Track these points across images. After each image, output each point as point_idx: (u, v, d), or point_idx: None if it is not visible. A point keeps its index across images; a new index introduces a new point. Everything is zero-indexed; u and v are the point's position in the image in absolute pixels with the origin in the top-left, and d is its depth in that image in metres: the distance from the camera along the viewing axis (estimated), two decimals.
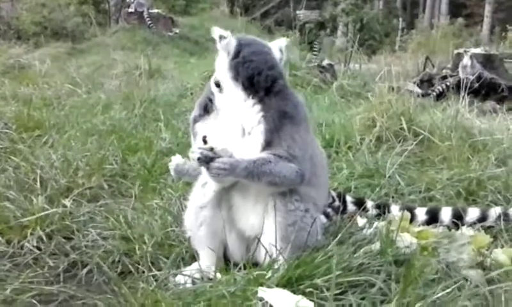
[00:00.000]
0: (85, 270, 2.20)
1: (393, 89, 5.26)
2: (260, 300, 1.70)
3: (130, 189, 3.16)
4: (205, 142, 2.04)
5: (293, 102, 2.20)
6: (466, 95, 4.85)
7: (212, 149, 2.00)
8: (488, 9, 30.64)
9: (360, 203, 3.02)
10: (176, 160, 2.39)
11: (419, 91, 10.06)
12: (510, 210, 2.91)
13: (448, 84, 12.12)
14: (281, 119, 2.10)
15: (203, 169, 2.06)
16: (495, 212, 2.90)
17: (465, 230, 2.69)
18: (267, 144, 2.08)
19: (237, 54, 2.12)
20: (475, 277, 2.19)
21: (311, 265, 1.87)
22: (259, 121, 2.10)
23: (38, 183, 2.89)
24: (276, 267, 1.91)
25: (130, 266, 2.20)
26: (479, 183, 3.48)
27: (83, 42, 14.64)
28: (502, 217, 2.84)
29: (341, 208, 2.91)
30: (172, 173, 2.43)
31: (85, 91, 5.76)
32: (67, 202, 2.75)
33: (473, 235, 2.52)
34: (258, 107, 2.11)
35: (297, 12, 18.32)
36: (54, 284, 2.11)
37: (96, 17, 17.30)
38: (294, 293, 1.75)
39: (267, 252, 2.01)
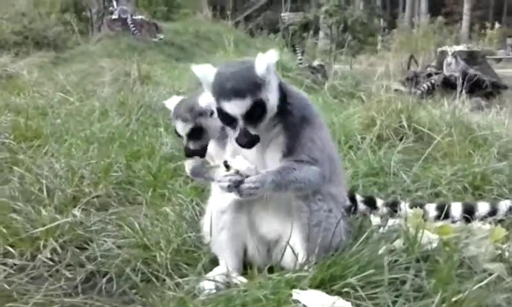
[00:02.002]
0: (104, 280, 2.14)
1: (382, 86, 5.30)
2: (295, 303, 1.67)
3: (137, 196, 3.12)
4: (227, 167, 1.98)
5: (303, 101, 2.18)
6: (463, 91, 4.87)
7: (237, 172, 1.96)
8: (466, 7, 31.10)
9: (369, 202, 3.01)
10: (192, 162, 2.37)
11: (405, 89, 10.16)
12: None
13: (433, 81, 12.29)
14: (299, 124, 2.09)
15: (234, 193, 1.99)
16: (505, 205, 2.91)
17: (479, 224, 2.71)
18: (289, 152, 2.07)
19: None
20: (497, 270, 2.19)
21: (341, 265, 1.85)
22: (278, 132, 2.08)
23: (45, 193, 2.82)
24: (306, 268, 1.88)
25: (149, 274, 2.15)
26: (483, 178, 3.50)
27: (66, 51, 14.47)
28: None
29: (352, 208, 2.91)
30: (189, 174, 2.41)
31: (77, 99, 5.67)
32: (76, 211, 2.69)
33: (490, 229, 2.53)
34: (274, 118, 2.09)
35: (282, 14, 18.37)
36: (73, 296, 2.06)
37: (78, 25, 17.17)
38: (328, 294, 1.73)
39: (296, 255, 1.99)
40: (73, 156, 3.45)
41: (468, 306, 1.69)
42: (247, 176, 1.95)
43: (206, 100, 2.25)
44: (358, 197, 3.02)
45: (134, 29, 14.69)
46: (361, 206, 2.98)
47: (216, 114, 2.07)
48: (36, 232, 2.42)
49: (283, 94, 2.08)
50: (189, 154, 2.34)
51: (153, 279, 2.12)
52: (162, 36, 15.41)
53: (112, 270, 2.19)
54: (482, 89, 11.63)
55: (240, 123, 1.95)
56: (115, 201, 3.01)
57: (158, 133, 4.13)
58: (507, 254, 2.39)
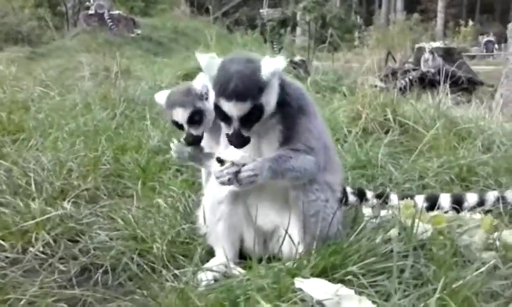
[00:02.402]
0: (100, 272, 2.11)
1: (367, 80, 5.34)
2: (297, 292, 1.67)
3: (126, 189, 3.08)
4: (221, 162, 1.96)
5: (299, 91, 2.18)
6: (448, 86, 4.93)
7: (233, 163, 1.94)
8: (440, 5, 31.52)
9: (359, 194, 3.03)
10: (177, 146, 2.38)
11: (383, 85, 10.26)
12: (506, 193, 2.97)
13: (411, 77, 12.44)
14: (296, 114, 2.08)
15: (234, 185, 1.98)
16: (493, 195, 2.96)
17: (469, 215, 2.75)
18: (285, 141, 2.06)
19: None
20: (490, 258, 2.22)
21: (341, 254, 1.85)
22: (276, 121, 2.07)
23: (33, 187, 2.76)
24: (307, 257, 1.88)
25: (145, 266, 2.12)
26: (469, 170, 3.56)
27: (42, 46, 14.26)
28: (500, 201, 2.91)
29: (343, 200, 2.92)
30: (175, 157, 2.44)
31: (58, 94, 5.57)
32: (66, 204, 2.65)
33: (481, 219, 2.56)
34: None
35: (261, 10, 18.34)
36: (68, 289, 2.02)
37: (52, 20, 16.92)
38: (330, 282, 1.73)
39: (295, 245, 1.98)
40: (59, 149, 3.38)
41: (466, 292, 1.71)
42: (243, 165, 1.94)
43: (201, 82, 2.23)
44: (348, 189, 3.03)
45: (111, 24, 14.53)
46: (352, 198, 3.00)
47: (211, 102, 2.07)
48: (27, 225, 2.37)
49: (282, 87, 2.06)
50: (191, 142, 2.31)
51: (149, 271, 2.10)
52: (139, 32, 15.29)
53: (107, 263, 2.16)
54: (459, 85, 11.81)
55: (235, 123, 1.93)
56: (105, 194, 2.97)
57: (144, 127, 4.08)
58: (498, 243, 2.42)
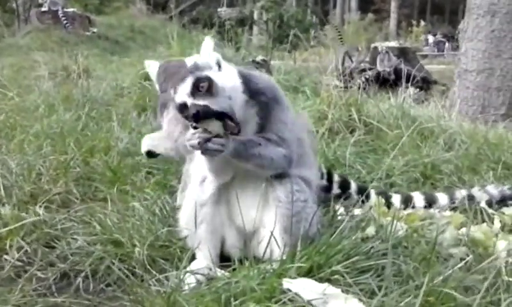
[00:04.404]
0: (80, 279, 2.07)
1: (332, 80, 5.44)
2: (285, 292, 1.69)
3: (98, 192, 3.03)
4: (195, 128, 1.95)
5: (271, 82, 2.22)
6: (410, 85, 5.07)
7: (206, 130, 1.93)
8: (393, 5, 32.30)
9: (344, 184, 3.05)
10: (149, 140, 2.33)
11: (342, 84, 10.45)
12: (473, 190, 3.10)
13: (367, 76, 12.70)
14: (271, 105, 2.09)
15: (198, 152, 2.00)
16: (460, 194, 3.07)
17: (438, 212, 2.85)
18: (260, 130, 2.08)
19: None
20: (462, 253, 2.31)
21: (325, 253, 1.89)
22: (254, 113, 2.08)
23: (2, 191, 2.69)
24: (291, 258, 1.90)
25: (126, 271, 2.10)
26: (433, 167, 3.68)
27: None
28: (467, 199, 3.03)
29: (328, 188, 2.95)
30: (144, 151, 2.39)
31: (16, 94, 5.41)
32: (38, 209, 2.59)
33: (451, 215, 2.67)
34: (249, 100, 2.09)
35: (218, 10, 18.31)
36: (48, 296, 1.98)
37: (2, 17, 16.38)
38: (316, 281, 1.76)
39: (279, 245, 2.00)
40: (26, 152, 3.30)
41: (447, 287, 1.77)
42: (215, 137, 1.94)
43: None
44: (336, 178, 3.05)
45: (65, 22, 14.18)
46: (336, 189, 3.02)
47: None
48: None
49: (247, 79, 2.08)
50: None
51: (131, 276, 2.07)
52: (95, 30, 15.00)
53: (87, 268, 2.12)
54: (413, 83, 12.15)
55: (189, 101, 1.91)
56: (77, 198, 2.91)
57: (111, 128, 4.02)
58: (466, 238, 2.52)
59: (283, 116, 2.12)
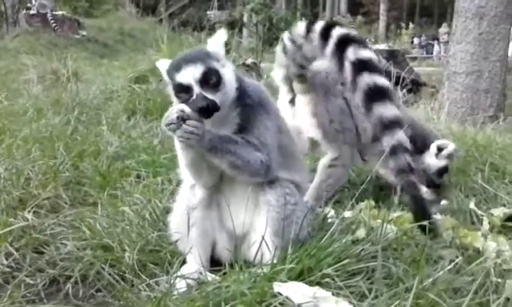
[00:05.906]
0: (69, 284, 2.06)
1: None
2: (276, 296, 1.69)
3: (88, 197, 3.02)
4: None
5: (260, 87, 2.22)
6: (399, 88, 5.10)
7: (184, 111, 1.90)
8: (382, 8, 32.48)
9: None
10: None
11: None
12: None
13: None
14: (256, 108, 2.10)
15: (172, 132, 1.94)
16: None
17: None
18: (240, 131, 2.07)
19: None
20: (451, 255, 2.33)
21: (316, 256, 1.89)
22: (236, 114, 2.08)
23: None
24: (281, 261, 1.90)
25: (116, 276, 2.09)
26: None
27: None
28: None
29: None
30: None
31: (5, 98, 5.39)
32: (27, 214, 2.57)
33: (441, 218, 2.68)
34: (234, 101, 2.09)
35: (208, 12, 18.31)
36: (37, 303, 1.96)
37: None
38: (307, 284, 1.77)
39: (269, 249, 2.00)
40: (14, 157, 3.27)
41: (438, 288, 1.78)
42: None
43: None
44: None
45: (54, 25, 14.13)
46: None
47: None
48: None
49: (241, 81, 2.10)
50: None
51: (121, 281, 2.06)
52: (85, 33, 14.96)
53: (76, 274, 2.11)
54: (403, 86, 12.18)
55: (196, 88, 1.92)
56: (66, 203, 2.89)
57: (101, 132, 4.00)
58: (457, 241, 2.54)
59: (267, 121, 2.12)
